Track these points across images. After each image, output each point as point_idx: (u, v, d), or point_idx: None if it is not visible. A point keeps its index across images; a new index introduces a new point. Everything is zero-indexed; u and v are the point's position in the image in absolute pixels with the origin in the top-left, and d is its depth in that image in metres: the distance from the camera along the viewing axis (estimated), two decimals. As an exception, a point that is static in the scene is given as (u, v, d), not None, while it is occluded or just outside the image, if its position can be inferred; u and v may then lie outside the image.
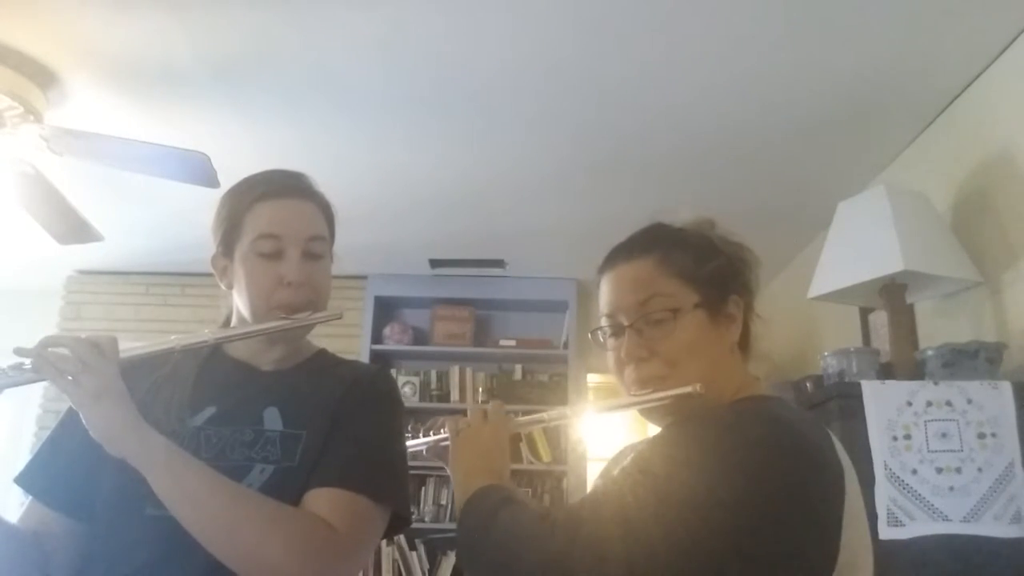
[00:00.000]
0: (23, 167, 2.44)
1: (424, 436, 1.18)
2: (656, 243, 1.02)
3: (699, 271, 0.99)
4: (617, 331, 1.01)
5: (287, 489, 1.00)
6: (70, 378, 0.93)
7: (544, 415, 1.16)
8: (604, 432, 4.80)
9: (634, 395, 0.99)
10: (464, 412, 1.14)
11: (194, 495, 0.93)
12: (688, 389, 0.93)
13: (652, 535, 0.79)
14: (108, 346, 0.96)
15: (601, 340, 1.04)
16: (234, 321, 1.16)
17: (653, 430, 1.15)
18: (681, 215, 1.07)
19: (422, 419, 4.25)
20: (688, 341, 0.96)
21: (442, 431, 1.14)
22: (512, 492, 0.98)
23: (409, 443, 1.19)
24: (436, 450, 1.17)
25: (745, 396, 0.97)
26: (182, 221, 3.43)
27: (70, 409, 1.06)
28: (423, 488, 3.98)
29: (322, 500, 0.99)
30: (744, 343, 1.04)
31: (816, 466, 0.84)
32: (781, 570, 0.80)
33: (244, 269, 1.10)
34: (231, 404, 1.08)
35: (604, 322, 1.03)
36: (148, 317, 4.25)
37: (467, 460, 1.06)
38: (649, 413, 1.01)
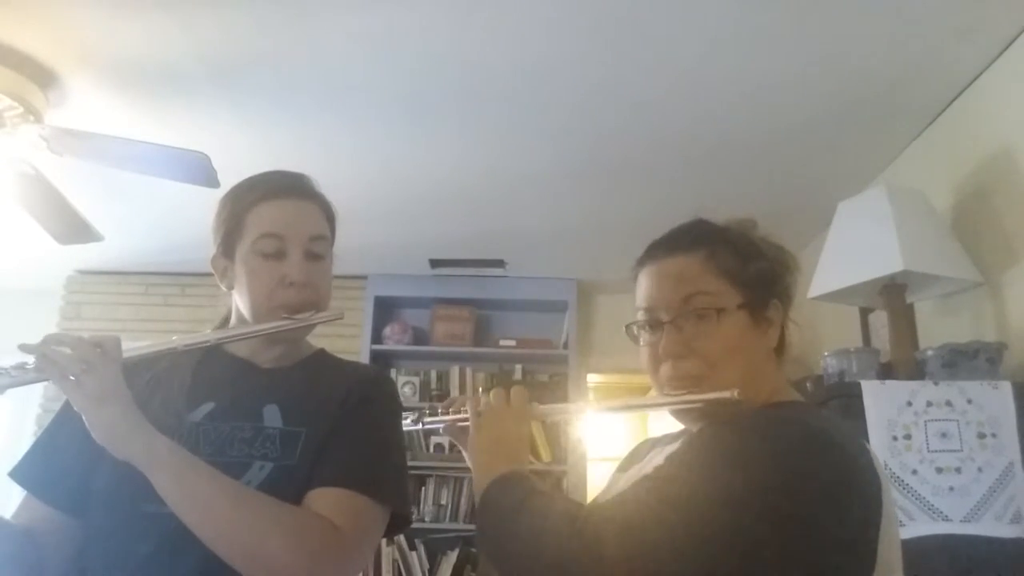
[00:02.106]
0: (23, 167, 2.44)
1: (443, 413, 1.16)
2: (702, 240, 0.99)
3: (744, 272, 0.97)
4: (655, 326, 0.98)
5: (286, 487, 1.00)
6: (72, 379, 0.92)
7: (569, 406, 1.14)
8: (604, 432, 4.81)
9: (668, 394, 0.96)
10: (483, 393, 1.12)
11: (198, 496, 0.93)
12: (726, 394, 0.91)
13: (685, 545, 0.77)
14: (111, 347, 0.96)
15: (635, 333, 1.01)
16: (234, 321, 1.16)
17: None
18: (721, 213, 1.05)
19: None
20: (729, 342, 0.94)
21: (463, 411, 1.12)
22: (535, 480, 0.96)
23: (427, 419, 1.18)
24: (453, 430, 1.15)
25: (780, 401, 0.96)
26: (182, 221, 3.43)
27: (66, 404, 1.06)
28: (423, 488, 3.98)
29: (324, 499, 0.99)
30: (780, 348, 1.02)
31: (854, 480, 0.82)
32: None
33: (246, 269, 1.10)
34: (230, 400, 1.08)
35: (641, 316, 1.00)
36: (148, 317, 4.25)
37: (488, 443, 1.04)
38: (681, 414, 0.99)
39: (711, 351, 0.94)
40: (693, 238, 1.00)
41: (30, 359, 0.94)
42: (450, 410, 1.15)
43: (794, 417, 0.89)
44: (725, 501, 0.78)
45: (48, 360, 0.92)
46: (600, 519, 0.82)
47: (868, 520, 0.82)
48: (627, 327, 1.02)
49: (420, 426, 1.17)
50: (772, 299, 0.99)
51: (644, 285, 1.00)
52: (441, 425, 1.16)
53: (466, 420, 1.10)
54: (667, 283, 0.97)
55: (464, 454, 1.14)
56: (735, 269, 0.96)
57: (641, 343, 1.01)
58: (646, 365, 1.00)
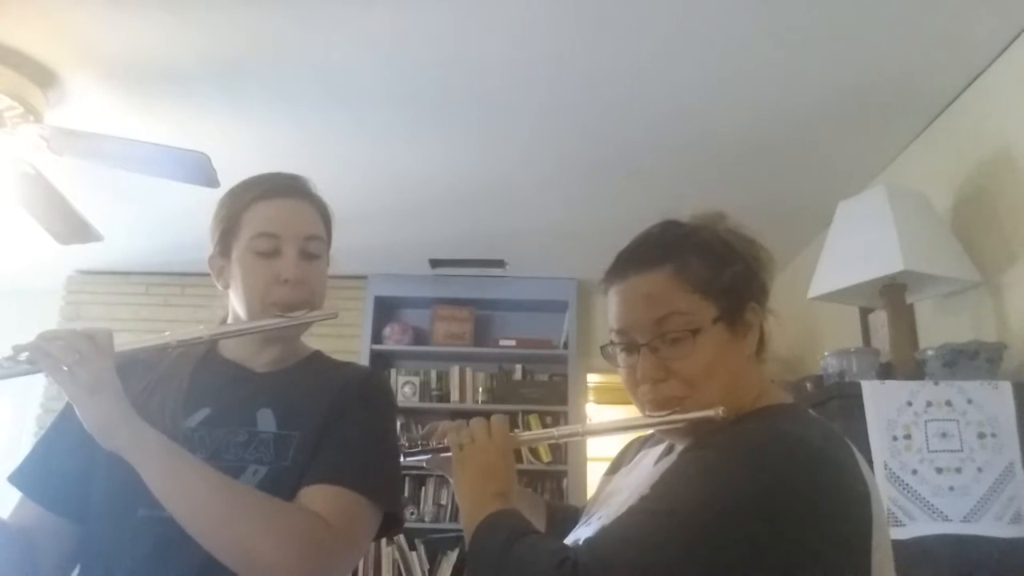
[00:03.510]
0: (23, 167, 2.44)
1: (422, 443, 1.15)
2: (669, 252, 0.95)
3: (716, 281, 0.93)
4: (630, 348, 0.95)
5: (280, 490, 1.00)
6: (65, 369, 0.93)
7: (554, 431, 1.12)
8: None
9: (651, 416, 0.95)
10: (464, 417, 1.12)
11: (187, 488, 0.93)
12: (711, 413, 0.90)
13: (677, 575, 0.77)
14: (103, 339, 0.96)
15: (612, 355, 0.99)
16: (230, 321, 1.16)
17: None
18: (689, 212, 1.02)
19: (422, 420, 4.24)
20: (707, 360, 0.91)
21: (444, 440, 1.11)
22: (523, 520, 0.95)
23: (408, 452, 1.17)
24: (437, 460, 1.14)
25: (764, 406, 0.94)
26: (182, 221, 3.43)
27: (65, 409, 1.07)
28: (423, 488, 3.98)
29: (316, 496, 0.99)
30: (760, 346, 0.99)
31: (841, 492, 0.81)
32: None
33: (241, 268, 1.10)
34: (225, 405, 1.08)
35: (615, 338, 0.97)
36: (148, 317, 4.25)
37: (473, 480, 1.02)
38: (667, 433, 0.98)
39: (689, 372, 0.91)
40: (660, 250, 0.95)
41: (24, 353, 0.94)
42: (431, 441, 1.14)
43: (778, 429, 0.87)
44: (713, 528, 0.78)
45: (41, 352, 0.93)
46: (588, 556, 0.81)
47: (859, 530, 0.82)
48: (602, 349, 0.99)
49: (402, 459, 1.15)
50: (749, 302, 0.95)
51: (615, 305, 0.97)
52: (425, 458, 1.15)
53: (448, 450, 1.09)
54: (638, 304, 0.94)
55: (450, 479, 1.13)
56: (707, 280, 0.93)
57: (618, 364, 0.98)
58: (625, 385, 0.98)
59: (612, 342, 0.97)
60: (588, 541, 0.87)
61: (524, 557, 0.86)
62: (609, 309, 0.98)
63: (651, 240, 0.99)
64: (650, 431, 0.99)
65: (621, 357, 0.97)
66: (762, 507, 0.78)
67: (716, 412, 0.89)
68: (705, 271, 0.93)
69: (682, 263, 0.93)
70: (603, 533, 0.86)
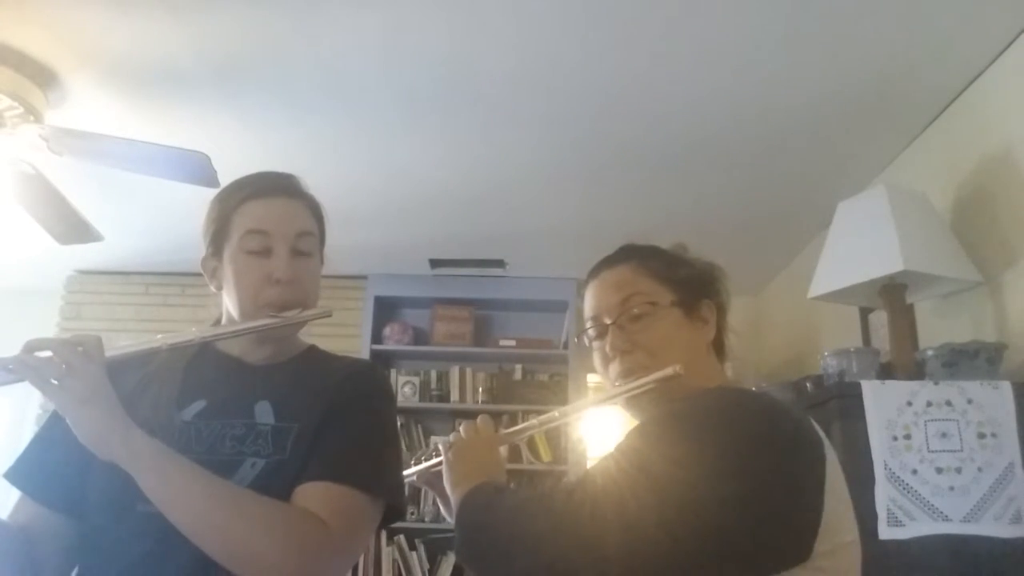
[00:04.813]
0: (23, 167, 2.44)
1: (415, 464, 1.23)
2: (634, 252, 1.12)
3: (673, 275, 1.08)
4: (601, 331, 1.09)
5: (278, 482, 1.00)
6: (55, 382, 0.92)
7: (534, 421, 1.19)
8: (605, 431, 4.81)
9: (619, 385, 1.05)
10: (464, 418, 1.19)
11: (184, 496, 0.93)
12: (669, 371, 0.98)
13: (660, 534, 0.82)
14: (93, 347, 0.95)
15: (587, 343, 1.13)
16: (224, 322, 1.15)
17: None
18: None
19: (422, 419, 4.23)
20: (666, 333, 1.04)
21: (434, 455, 1.18)
22: (513, 487, 1.02)
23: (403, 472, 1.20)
24: (427, 477, 1.23)
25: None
26: (182, 221, 3.42)
27: None
28: (423, 489, 3.97)
29: (314, 494, 0.99)
30: (719, 349, 1.11)
31: (798, 438, 0.89)
32: (769, 538, 0.83)
33: (233, 268, 1.10)
34: (222, 397, 1.08)
35: (589, 325, 1.11)
36: (148, 317, 4.25)
37: (465, 468, 1.10)
38: (634, 406, 1.05)
39: (651, 342, 1.04)
40: (626, 252, 1.13)
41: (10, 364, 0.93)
42: (423, 459, 1.22)
43: (739, 389, 1.01)
44: (694, 462, 0.84)
45: (27, 368, 0.92)
46: (575, 480, 0.91)
47: (817, 470, 0.88)
48: (578, 336, 1.15)
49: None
50: (704, 299, 1.09)
51: (588, 298, 1.13)
52: (413, 476, 1.23)
53: (439, 465, 1.16)
54: (607, 291, 1.09)
55: (440, 504, 1.22)
56: (664, 272, 1.08)
57: (592, 348, 1.11)
58: (598, 367, 1.11)
59: (586, 329, 1.12)
60: (575, 479, 0.96)
61: (515, 500, 0.95)
62: (585, 304, 1.14)
63: (618, 249, 1.16)
64: (620, 400, 1.07)
65: (595, 343, 1.11)
66: (726, 459, 0.84)
67: (675, 369, 0.98)
68: (663, 267, 1.09)
69: (644, 259, 1.10)
70: (591, 469, 0.94)
